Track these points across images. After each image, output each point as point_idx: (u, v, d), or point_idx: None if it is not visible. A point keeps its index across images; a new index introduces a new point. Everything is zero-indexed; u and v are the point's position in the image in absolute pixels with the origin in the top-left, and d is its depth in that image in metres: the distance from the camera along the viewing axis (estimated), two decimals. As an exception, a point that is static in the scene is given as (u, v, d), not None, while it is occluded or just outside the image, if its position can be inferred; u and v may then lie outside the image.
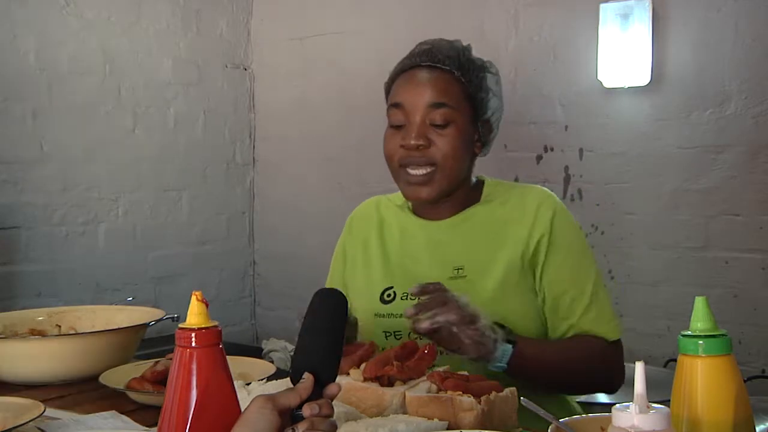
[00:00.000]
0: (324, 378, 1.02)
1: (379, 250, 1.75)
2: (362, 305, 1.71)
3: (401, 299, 1.66)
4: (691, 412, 0.95)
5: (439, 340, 1.40)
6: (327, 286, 1.86)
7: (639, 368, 0.87)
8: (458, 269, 1.64)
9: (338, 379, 1.05)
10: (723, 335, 0.97)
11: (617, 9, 2.86)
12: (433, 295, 1.41)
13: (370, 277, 1.74)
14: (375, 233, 1.78)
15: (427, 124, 1.61)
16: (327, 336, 1.04)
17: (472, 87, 1.64)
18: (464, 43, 1.69)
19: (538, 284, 1.63)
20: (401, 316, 1.61)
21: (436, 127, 1.61)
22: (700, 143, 2.81)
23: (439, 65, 1.63)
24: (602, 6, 2.89)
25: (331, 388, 1.03)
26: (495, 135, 1.72)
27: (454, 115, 1.61)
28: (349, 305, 1.11)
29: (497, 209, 1.68)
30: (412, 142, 1.60)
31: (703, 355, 0.96)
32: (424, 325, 1.38)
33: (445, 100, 1.61)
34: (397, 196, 1.79)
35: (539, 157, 3.11)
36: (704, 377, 0.95)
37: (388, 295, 1.69)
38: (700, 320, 0.97)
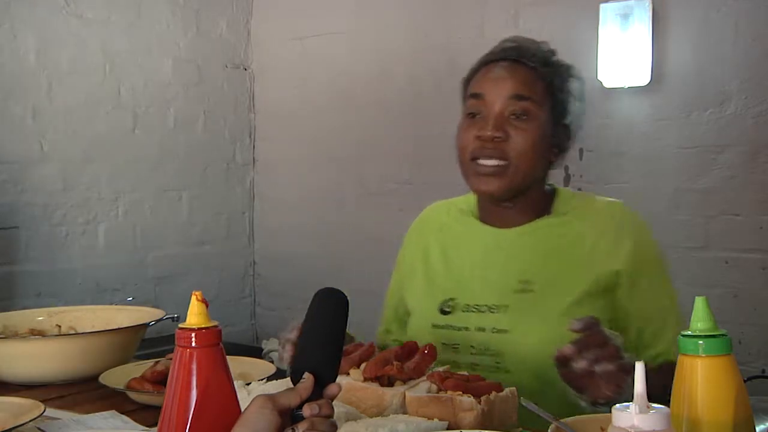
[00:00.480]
0: (324, 378, 1.02)
1: (440, 258, 1.67)
2: (420, 315, 1.64)
3: (462, 311, 1.58)
4: (691, 412, 0.95)
5: (578, 380, 1.26)
6: (387, 297, 1.81)
7: (639, 368, 0.87)
8: (525, 282, 1.55)
9: (338, 379, 1.04)
10: (723, 335, 0.97)
11: (617, 9, 2.86)
12: (592, 331, 1.27)
13: (431, 285, 1.66)
14: (434, 239, 1.70)
15: (506, 116, 1.53)
16: (327, 336, 1.04)
17: (555, 87, 1.57)
18: (550, 47, 1.62)
19: (622, 313, 1.53)
20: (461, 329, 1.57)
21: (515, 120, 1.53)
22: (700, 143, 2.81)
23: (524, 60, 1.56)
24: (602, 6, 2.89)
25: (331, 388, 1.02)
26: (572, 144, 1.63)
27: (535, 111, 1.53)
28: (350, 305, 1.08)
29: (573, 224, 1.58)
30: (489, 132, 1.52)
31: (703, 355, 0.96)
32: (581, 365, 1.25)
33: (528, 94, 1.54)
34: (462, 200, 1.72)
35: (539, 157, 3.10)
36: (704, 377, 0.95)
37: (448, 306, 1.60)
38: (700, 320, 0.97)
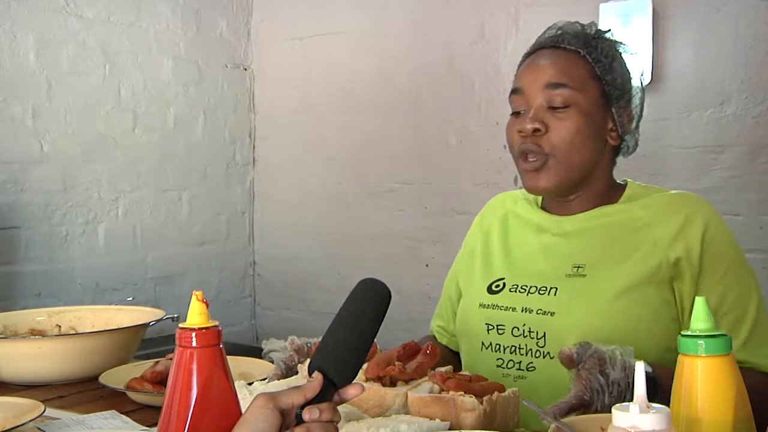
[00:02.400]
0: (337, 378, 0.97)
1: (499, 242, 1.63)
2: (469, 294, 1.62)
3: (510, 291, 1.54)
4: (691, 412, 0.95)
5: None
6: (444, 287, 1.77)
7: (639, 368, 0.87)
8: (578, 267, 1.49)
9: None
10: (723, 335, 0.97)
11: (617, 9, 2.86)
12: (585, 362, 1.21)
13: (486, 268, 1.62)
14: (498, 225, 1.66)
15: (545, 107, 1.49)
16: (350, 332, 0.98)
17: (600, 67, 1.51)
18: (601, 27, 1.57)
19: (687, 305, 1.43)
20: (507, 308, 1.52)
21: (554, 111, 1.48)
22: (700, 143, 2.80)
23: (563, 45, 1.53)
24: (602, 6, 2.89)
25: (349, 390, 0.99)
26: (636, 124, 1.56)
27: (575, 97, 1.48)
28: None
29: (636, 211, 1.52)
30: (528, 126, 1.47)
31: (703, 355, 0.96)
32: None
33: (565, 81, 1.48)
34: None
35: (539, 157, 3.10)
36: (704, 377, 0.95)
37: (497, 286, 1.56)
38: (700, 320, 0.97)
